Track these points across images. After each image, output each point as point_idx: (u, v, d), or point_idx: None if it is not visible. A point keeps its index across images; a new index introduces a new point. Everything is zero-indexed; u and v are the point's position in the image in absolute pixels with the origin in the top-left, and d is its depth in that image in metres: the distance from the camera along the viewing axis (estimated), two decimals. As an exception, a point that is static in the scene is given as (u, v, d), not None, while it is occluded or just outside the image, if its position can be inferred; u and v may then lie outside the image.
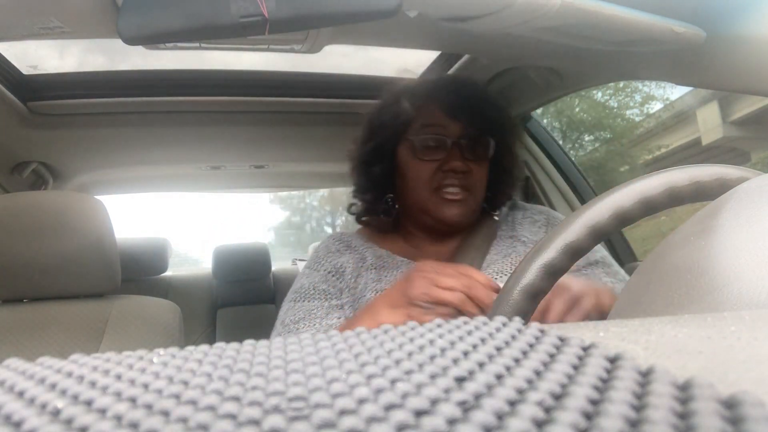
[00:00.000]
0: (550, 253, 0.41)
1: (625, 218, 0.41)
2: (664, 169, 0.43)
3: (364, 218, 0.96)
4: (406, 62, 1.43)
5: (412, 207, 0.88)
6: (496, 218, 0.93)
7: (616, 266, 0.88)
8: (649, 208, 0.42)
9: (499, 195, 0.93)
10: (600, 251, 0.88)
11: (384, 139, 0.89)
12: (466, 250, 0.86)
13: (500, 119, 0.89)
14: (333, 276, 0.85)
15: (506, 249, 0.87)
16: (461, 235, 0.90)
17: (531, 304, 0.41)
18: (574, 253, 0.41)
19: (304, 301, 0.83)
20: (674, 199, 0.42)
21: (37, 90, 1.31)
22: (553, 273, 0.41)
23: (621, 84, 4.77)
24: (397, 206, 0.91)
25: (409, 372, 0.15)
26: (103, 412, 0.14)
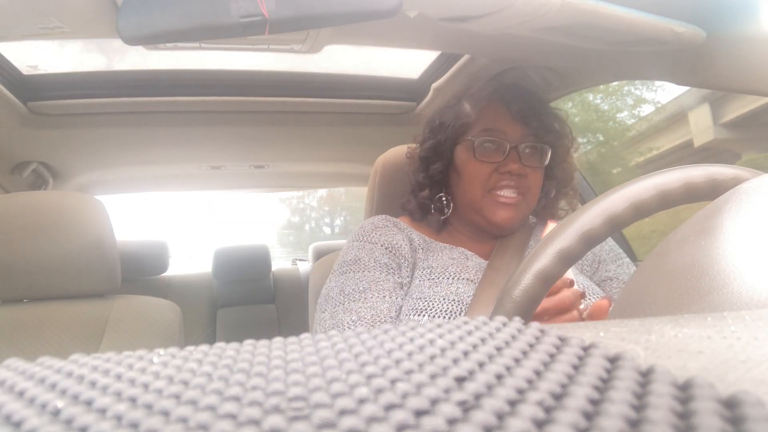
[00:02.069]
0: (566, 240, 0.42)
1: (641, 210, 0.42)
2: (681, 166, 0.44)
3: (410, 211, 0.96)
4: (406, 62, 1.43)
5: (465, 206, 0.89)
6: (532, 222, 0.95)
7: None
8: (666, 201, 0.42)
9: (553, 203, 0.95)
10: (614, 270, 0.90)
11: (444, 137, 0.91)
12: (502, 252, 0.87)
13: (559, 130, 0.91)
14: (390, 251, 0.84)
15: None
16: (501, 236, 0.91)
17: (543, 288, 0.42)
18: (589, 242, 0.42)
19: (364, 271, 0.81)
20: (691, 195, 0.42)
21: (37, 90, 1.31)
22: (568, 259, 0.42)
23: (614, 85, 4.80)
24: (450, 204, 0.92)
25: (409, 372, 0.15)
26: (103, 412, 0.14)
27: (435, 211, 0.92)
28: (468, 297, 0.76)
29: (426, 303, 0.76)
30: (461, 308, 0.75)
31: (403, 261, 0.84)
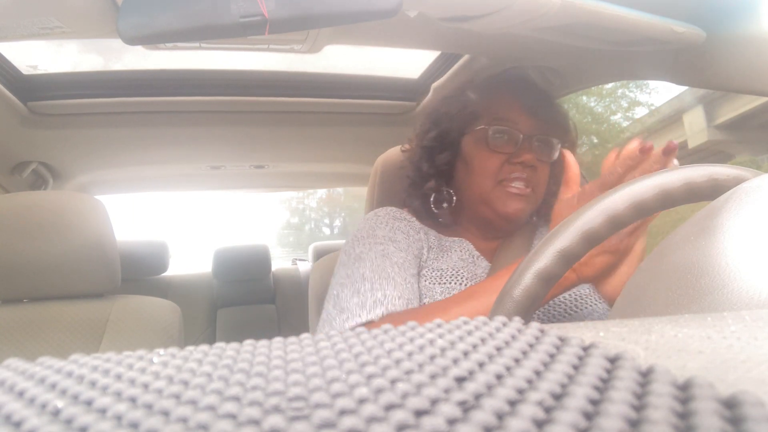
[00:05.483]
0: (567, 239, 0.42)
1: (642, 209, 0.43)
2: (682, 165, 0.44)
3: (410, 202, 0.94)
4: (406, 62, 1.43)
5: (473, 199, 0.86)
6: (534, 221, 0.91)
7: None
8: (666, 201, 0.43)
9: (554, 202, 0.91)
10: None
11: (449, 127, 0.89)
12: (506, 252, 0.85)
13: (567, 126, 0.89)
14: (399, 234, 0.84)
15: None
16: (506, 234, 0.89)
17: (543, 288, 0.42)
18: (590, 241, 0.42)
19: (389, 252, 0.79)
20: (692, 194, 0.43)
21: (37, 90, 1.31)
22: (568, 258, 0.42)
23: (608, 88, 4.82)
24: (453, 198, 0.90)
25: (409, 372, 0.15)
26: (103, 412, 0.14)
27: (437, 204, 0.89)
28: None
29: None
30: None
31: (419, 253, 0.83)
